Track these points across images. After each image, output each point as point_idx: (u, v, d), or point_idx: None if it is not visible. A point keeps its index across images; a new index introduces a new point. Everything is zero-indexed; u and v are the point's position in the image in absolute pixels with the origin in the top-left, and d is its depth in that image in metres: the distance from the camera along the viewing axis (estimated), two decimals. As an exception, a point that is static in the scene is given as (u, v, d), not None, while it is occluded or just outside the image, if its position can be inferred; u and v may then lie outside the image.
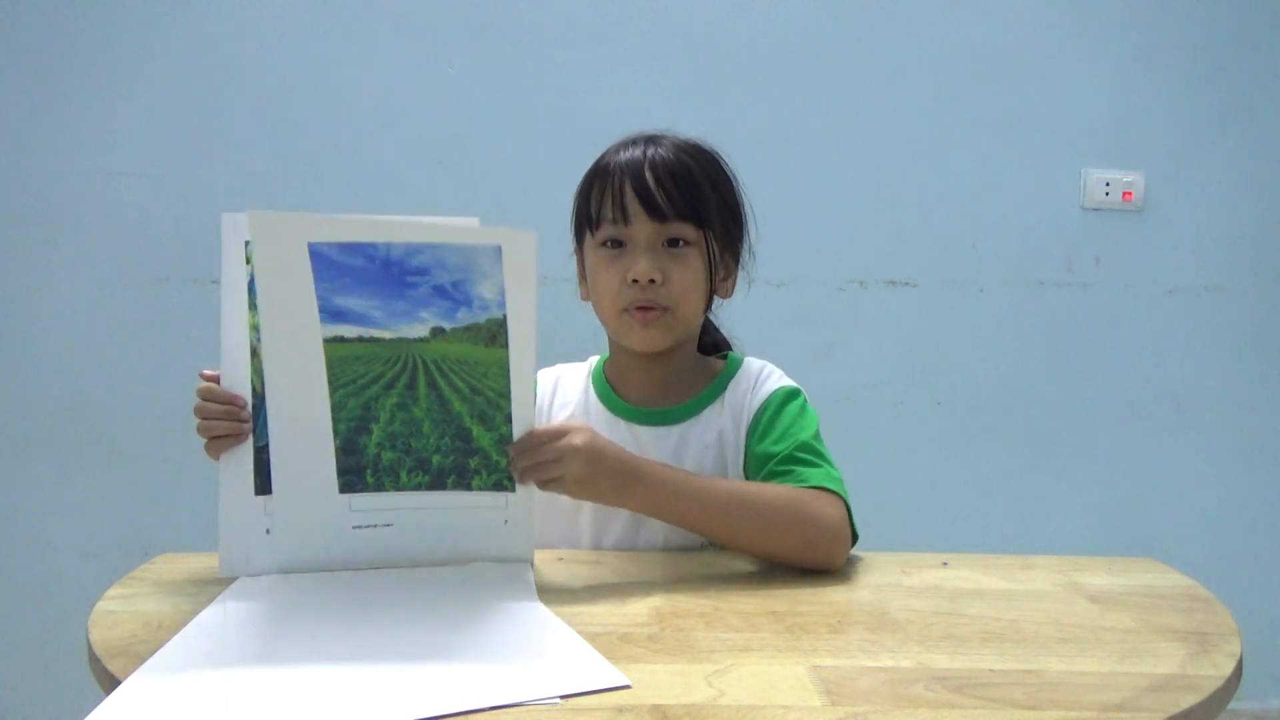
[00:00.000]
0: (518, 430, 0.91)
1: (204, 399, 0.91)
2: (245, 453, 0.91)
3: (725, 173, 1.09)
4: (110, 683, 0.67)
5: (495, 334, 0.88)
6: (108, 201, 1.97)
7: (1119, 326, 2.15)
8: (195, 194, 1.98)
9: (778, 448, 1.02)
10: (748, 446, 1.06)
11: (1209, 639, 0.78)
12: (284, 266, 0.84)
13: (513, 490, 0.92)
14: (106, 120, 1.96)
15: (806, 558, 0.93)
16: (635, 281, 1.02)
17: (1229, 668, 0.72)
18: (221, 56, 1.98)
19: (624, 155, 1.04)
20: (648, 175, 1.02)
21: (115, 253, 1.98)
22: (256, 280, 0.86)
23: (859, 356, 2.10)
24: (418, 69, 2.01)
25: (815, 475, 0.98)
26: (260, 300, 0.85)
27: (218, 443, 0.91)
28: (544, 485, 0.91)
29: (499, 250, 0.86)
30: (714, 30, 2.05)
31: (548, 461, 0.90)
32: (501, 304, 0.87)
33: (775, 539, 0.94)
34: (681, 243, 1.03)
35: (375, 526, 0.92)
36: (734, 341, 1.20)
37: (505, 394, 0.89)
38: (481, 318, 0.87)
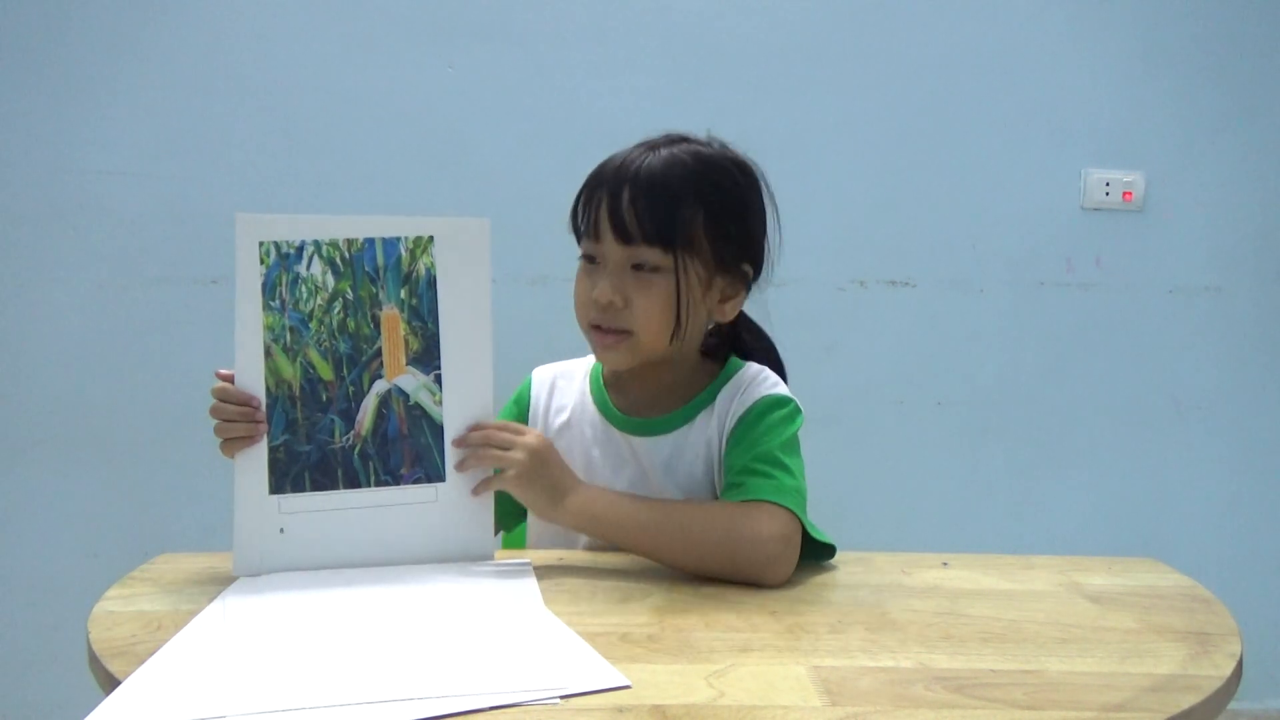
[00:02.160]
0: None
1: (220, 399, 0.91)
2: (260, 452, 0.92)
3: (736, 191, 1.02)
4: (110, 683, 0.67)
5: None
6: (108, 201, 1.97)
7: (1119, 326, 2.15)
8: (195, 194, 1.98)
9: (740, 459, 1.00)
10: (723, 454, 1.05)
11: (1209, 639, 0.78)
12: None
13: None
14: (107, 120, 1.96)
15: (735, 575, 0.92)
16: (597, 300, 1.00)
17: (1229, 668, 0.72)
18: (221, 56, 1.98)
19: (615, 167, 1.01)
20: (625, 194, 0.98)
21: (115, 253, 1.98)
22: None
23: (859, 356, 2.10)
24: (418, 69, 2.00)
25: (762, 487, 0.96)
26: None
27: (233, 443, 0.92)
28: (488, 481, 0.95)
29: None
30: (714, 30, 2.05)
31: (497, 448, 0.93)
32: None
33: (700, 559, 0.93)
34: (648, 267, 0.99)
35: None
36: (773, 342, 1.18)
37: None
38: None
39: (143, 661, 0.69)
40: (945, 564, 0.99)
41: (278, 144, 1.99)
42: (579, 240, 1.05)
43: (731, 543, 0.91)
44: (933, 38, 2.08)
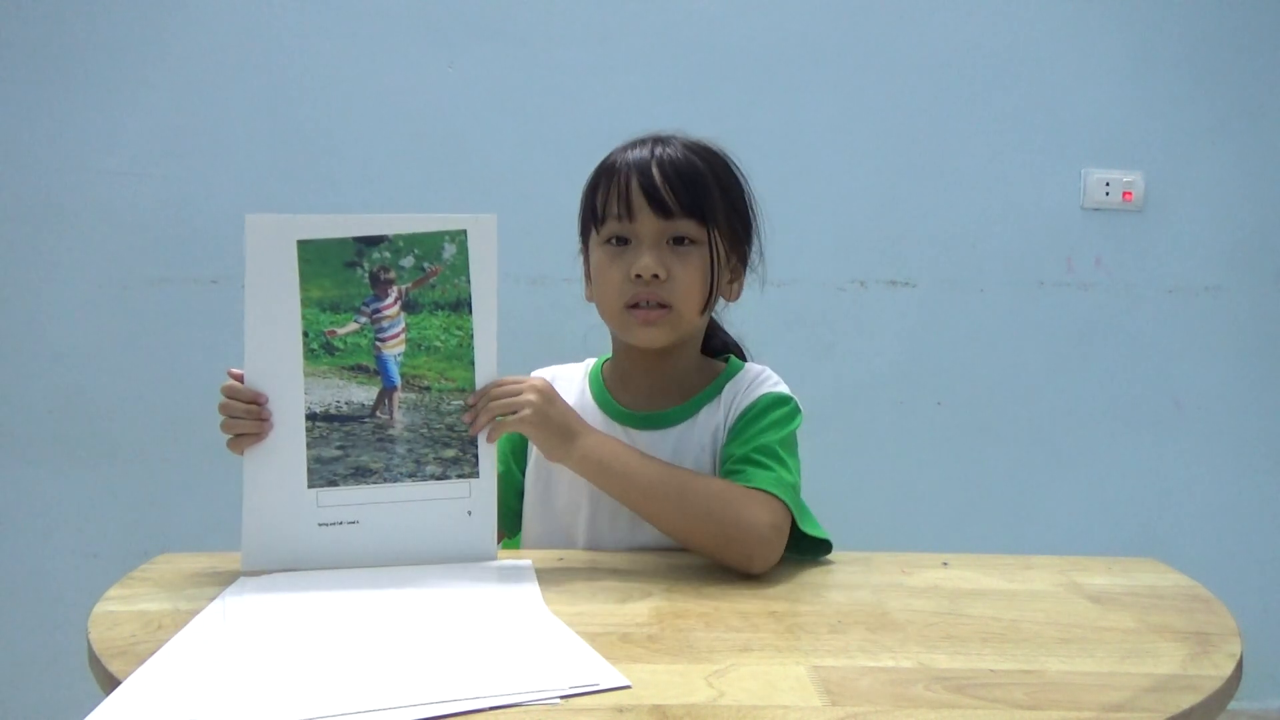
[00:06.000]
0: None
1: (228, 397, 0.93)
2: (274, 448, 0.93)
3: (734, 175, 1.09)
4: (110, 683, 0.67)
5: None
6: (108, 201, 1.97)
7: (1119, 326, 2.15)
8: (195, 194, 1.98)
9: (739, 449, 1.02)
10: (722, 445, 1.06)
11: (1209, 639, 0.78)
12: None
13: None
14: (108, 120, 1.96)
15: (720, 554, 0.93)
16: (639, 277, 1.01)
17: (1229, 668, 0.72)
18: (222, 56, 1.98)
19: (631, 154, 1.05)
20: (655, 172, 1.02)
21: (115, 253, 1.97)
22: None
23: (859, 356, 2.10)
24: (418, 69, 2.00)
25: (761, 477, 0.97)
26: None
27: (241, 440, 0.93)
28: (502, 425, 0.95)
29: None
30: (714, 30, 2.05)
31: (509, 395, 0.95)
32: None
33: (691, 528, 0.94)
34: (686, 241, 1.03)
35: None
36: (742, 344, 1.20)
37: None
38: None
39: (143, 661, 0.69)
40: (945, 564, 0.99)
41: (278, 144, 1.99)
42: (596, 228, 1.06)
43: (726, 522, 0.93)
44: (932, 38, 2.08)
